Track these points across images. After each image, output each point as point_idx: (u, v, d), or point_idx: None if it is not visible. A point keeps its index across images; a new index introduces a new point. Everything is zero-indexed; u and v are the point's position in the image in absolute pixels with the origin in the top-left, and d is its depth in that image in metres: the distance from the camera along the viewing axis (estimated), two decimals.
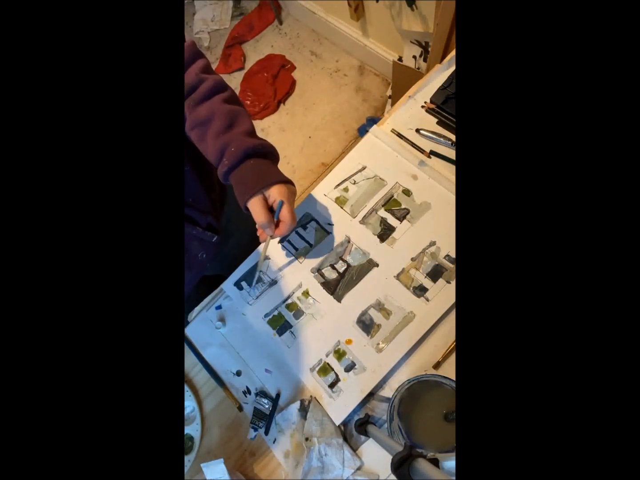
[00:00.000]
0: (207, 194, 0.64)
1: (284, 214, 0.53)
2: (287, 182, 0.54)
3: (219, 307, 0.65)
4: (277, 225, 0.54)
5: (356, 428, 0.52)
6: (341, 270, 0.61)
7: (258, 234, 0.58)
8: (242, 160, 0.51)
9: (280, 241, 0.65)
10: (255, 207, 0.52)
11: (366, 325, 0.58)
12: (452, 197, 0.61)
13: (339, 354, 0.57)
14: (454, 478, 0.32)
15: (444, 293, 0.56)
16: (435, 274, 0.58)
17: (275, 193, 0.52)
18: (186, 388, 0.61)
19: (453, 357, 0.54)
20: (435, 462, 0.33)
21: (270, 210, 0.53)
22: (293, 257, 0.64)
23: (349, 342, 0.58)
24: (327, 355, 0.58)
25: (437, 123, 0.67)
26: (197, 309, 0.66)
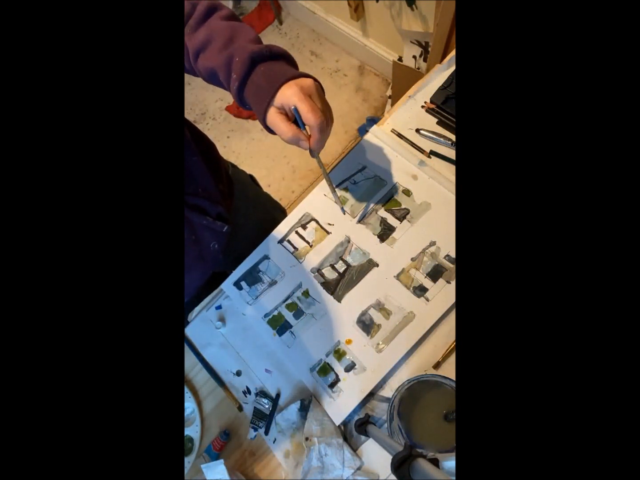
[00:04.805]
0: (216, 185, 0.63)
1: (305, 116, 0.42)
2: (299, 76, 0.43)
3: (219, 307, 0.65)
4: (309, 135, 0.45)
5: (356, 428, 0.52)
6: (341, 270, 0.61)
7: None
8: (250, 68, 0.44)
9: (280, 241, 0.65)
10: (274, 123, 0.43)
11: (366, 325, 0.58)
12: (452, 197, 0.61)
13: (339, 354, 0.57)
14: (454, 478, 0.32)
15: (444, 293, 0.56)
16: (435, 274, 0.58)
17: (283, 98, 0.42)
18: (186, 389, 0.61)
19: (453, 357, 0.54)
20: (435, 462, 0.33)
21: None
22: (293, 257, 0.64)
23: (349, 342, 0.58)
24: (327, 355, 0.58)
25: (437, 123, 0.67)
26: (197, 309, 0.66)
